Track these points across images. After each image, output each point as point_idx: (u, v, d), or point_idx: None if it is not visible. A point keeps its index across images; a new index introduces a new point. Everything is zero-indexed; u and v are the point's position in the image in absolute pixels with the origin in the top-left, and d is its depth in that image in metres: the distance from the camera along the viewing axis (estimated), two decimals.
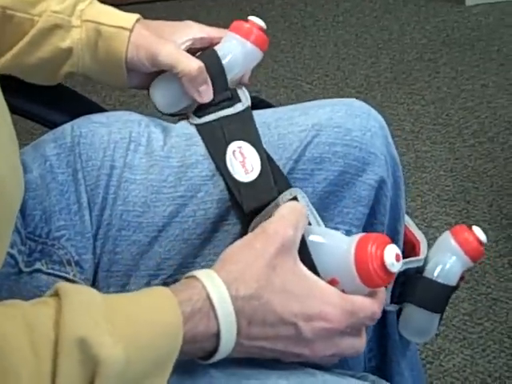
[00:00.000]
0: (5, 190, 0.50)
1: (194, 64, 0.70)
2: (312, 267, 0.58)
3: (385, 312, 0.74)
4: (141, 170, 0.68)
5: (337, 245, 0.60)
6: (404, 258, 0.73)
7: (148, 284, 0.67)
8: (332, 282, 0.58)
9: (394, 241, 0.73)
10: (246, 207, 0.66)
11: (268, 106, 0.77)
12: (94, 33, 0.71)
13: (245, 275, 0.54)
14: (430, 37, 2.14)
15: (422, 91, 1.92)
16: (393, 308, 0.73)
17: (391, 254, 0.56)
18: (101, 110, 0.81)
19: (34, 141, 0.72)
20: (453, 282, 0.71)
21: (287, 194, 0.65)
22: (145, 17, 0.74)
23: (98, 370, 0.44)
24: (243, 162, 0.68)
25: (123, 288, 0.67)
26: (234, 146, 0.69)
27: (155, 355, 0.48)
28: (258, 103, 0.76)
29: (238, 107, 0.72)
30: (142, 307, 0.50)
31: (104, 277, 0.67)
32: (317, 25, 2.28)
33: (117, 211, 0.67)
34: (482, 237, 0.71)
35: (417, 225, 1.47)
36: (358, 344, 0.59)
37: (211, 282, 0.53)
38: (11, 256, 0.62)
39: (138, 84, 0.76)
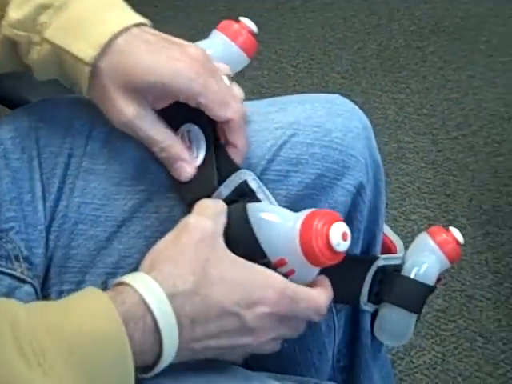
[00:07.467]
0: None
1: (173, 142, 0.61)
2: (256, 246, 0.56)
3: (358, 311, 0.72)
4: (101, 160, 0.64)
5: (284, 222, 0.56)
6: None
7: (105, 283, 0.63)
8: (280, 262, 0.55)
9: (371, 245, 0.71)
10: (184, 200, 0.62)
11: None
12: (53, 57, 0.58)
13: (178, 270, 0.51)
14: (419, 24, 2.10)
15: (408, 80, 1.88)
16: (369, 308, 0.71)
17: (337, 233, 0.53)
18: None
19: None
20: (431, 281, 0.70)
21: (236, 178, 0.60)
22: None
23: None
24: (190, 148, 0.62)
25: (78, 286, 0.63)
26: (183, 129, 0.63)
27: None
28: None
29: None
30: (74, 318, 0.46)
31: (57, 273, 0.63)
32: (305, 6, 2.24)
33: (73, 203, 0.63)
34: (460, 238, 0.71)
35: (395, 217, 1.49)
36: (300, 326, 0.57)
37: (142, 283, 0.50)
38: None
39: None
